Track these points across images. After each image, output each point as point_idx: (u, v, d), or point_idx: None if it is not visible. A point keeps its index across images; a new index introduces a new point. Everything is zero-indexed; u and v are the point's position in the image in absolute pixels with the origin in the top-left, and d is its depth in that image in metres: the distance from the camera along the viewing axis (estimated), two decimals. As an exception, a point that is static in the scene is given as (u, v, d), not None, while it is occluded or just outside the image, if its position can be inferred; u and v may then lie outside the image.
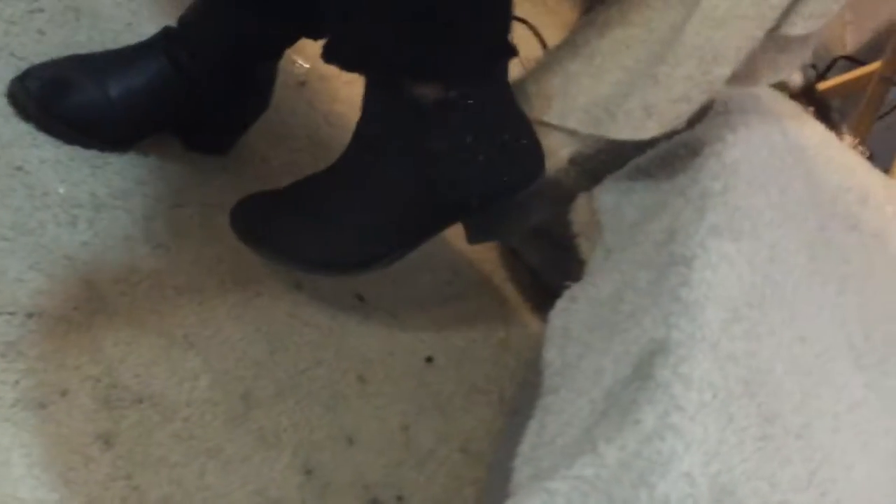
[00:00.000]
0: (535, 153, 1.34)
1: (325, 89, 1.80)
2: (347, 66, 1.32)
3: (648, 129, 1.31)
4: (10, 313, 1.18)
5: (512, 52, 1.30)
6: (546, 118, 1.38)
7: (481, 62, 1.28)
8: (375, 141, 1.31)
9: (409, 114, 1.28)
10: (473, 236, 1.40)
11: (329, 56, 1.30)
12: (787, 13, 1.25)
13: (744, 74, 1.32)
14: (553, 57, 1.41)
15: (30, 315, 1.19)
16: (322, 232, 1.35)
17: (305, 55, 1.78)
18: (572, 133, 1.38)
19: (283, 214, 1.38)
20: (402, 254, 1.38)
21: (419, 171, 1.29)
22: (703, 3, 1.24)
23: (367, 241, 1.34)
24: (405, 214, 1.33)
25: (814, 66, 2.63)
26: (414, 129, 1.28)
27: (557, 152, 1.39)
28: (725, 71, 1.27)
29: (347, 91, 1.83)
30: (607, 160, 1.41)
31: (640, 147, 1.39)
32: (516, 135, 1.32)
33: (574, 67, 1.35)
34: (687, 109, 1.29)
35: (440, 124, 1.28)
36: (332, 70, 1.78)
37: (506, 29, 1.29)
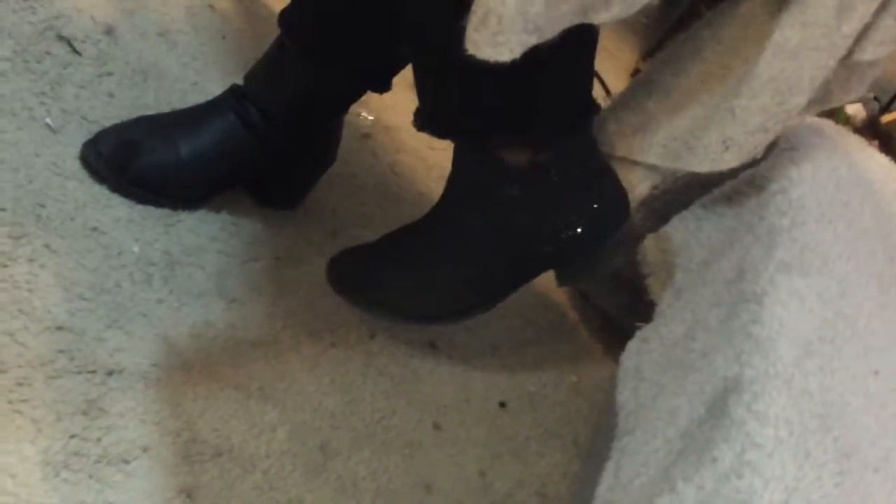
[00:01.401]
0: (621, 199, 1.35)
1: (389, 140, 1.82)
2: (439, 134, 1.33)
3: (727, 161, 1.32)
4: (91, 371, 1.20)
5: (596, 108, 1.32)
6: (627, 154, 1.39)
7: (569, 123, 1.29)
8: (465, 198, 1.33)
9: (499, 175, 1.30)
10: (562, 279, 1.41)
11: (421, 124, 1.32)
12: (858, 40, 1.25)
13: (817, 100, 1.33)
14: (629, 95, 1.42)
15: (110, 373, 1.21)
16: (416, 284, 1.36)
17: (369, 107, 1.80)
18: (651, 169, 1.38)
19: (376, 267, 1.40)
20: (494, 304, 1.40)
21: (509, 226, 1.31)
22: (775, 35, 1.25)
23: (460, 293, 1.36)
24: (496, 266, 1.34)
25: (877, 99, 2.62)
26: (503, 188, 1.30)
27: (635, 189, 1.40)
28: (801, 100, 1.27)
29: (412, 142, 1.85)
30: (673, 199, 1.42)
31: (707, 186, 1.39)
32: (601, 183, 1.34)
33: (651, 104, 1.36)
34: (764, 140, 1.29)
35: (529, 184, 1.29)
36: (396, 121, 1.81)
37: (590, 87, 1.30)
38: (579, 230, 1.32)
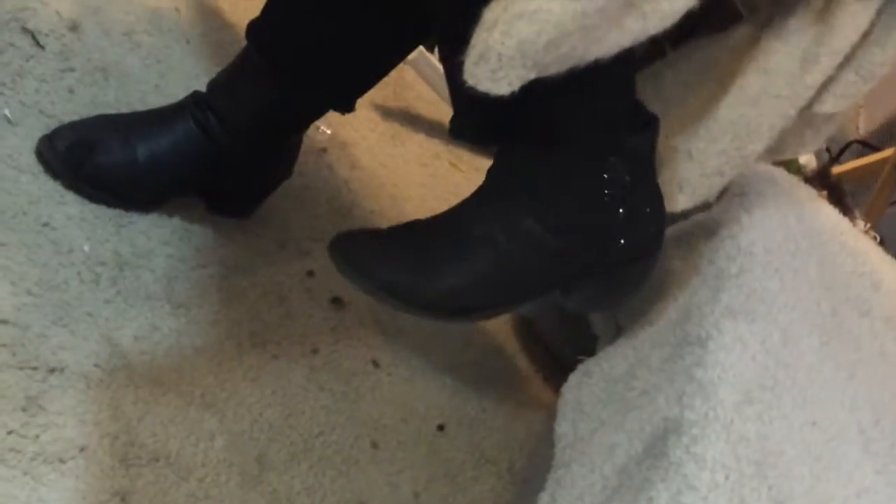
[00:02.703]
0: (659, 223, 1.31)
1: (345, 156, 1.83)
2: (473, 142, 1.33)
3: (680, 203, 1.32)
4: (33, 368, 1.19)
5: (650, 122, 1.29)
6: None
7: (609, 132, 1.26)
8: (501, 196, 1.29)
9: (536, 178, 1.26)
10: (577, 304, 1.36)
11: (455, 133, 1.30)
12: (819, 92, 1.27)
13: (772, 148, 1.34)
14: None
15: (52, 370, 1.21)
16: (426, 272, 1.32)
17: (328, 122, 1.80)
18: None
19: (391, 255, 1.32)
20: (508, 309, 1.35)
21: (543, 230, 1.27)
22: (738, 80, 1.26)
23: (476, 290, 1.31)
24: (520, 272, 1.30)
25: (828, 150, 2.66)
26: (539, 193, 1.26)
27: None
28: (759, 147, 1.28)
29: (367, 159, 1.86)
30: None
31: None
32: (643, 203, 1.29)
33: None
34: (719, 183, 1.30)
35: (568, 189, 1.26)
36: (352, 137, 1.82)
37: (632, 99, 1.27)
38: (622, 241, 1.29)
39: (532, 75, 1.01)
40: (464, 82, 1.01)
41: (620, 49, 1.04)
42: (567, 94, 1.20)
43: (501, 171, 1.30)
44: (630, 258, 1.29)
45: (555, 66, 1.02)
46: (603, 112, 1.26)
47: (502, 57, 0.98)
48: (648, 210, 1.30)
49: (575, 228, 1.27)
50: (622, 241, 1.28)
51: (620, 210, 1.28)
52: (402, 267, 1.30)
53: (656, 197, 1.30)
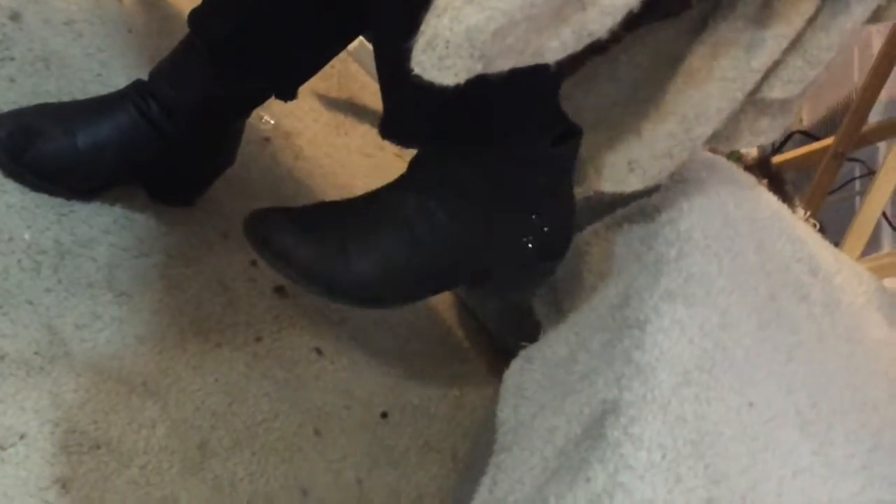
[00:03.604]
0: (567, 230, 1.36)
1: (289, 146, 1.82)
2: (404, 143, 1.35)
3: (630, 183, 1.33)
4: (-27, 356, 1.19)
5: (565, 130, 1.33)
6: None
7: (533, 140, 1.29)
8: (427, 187, 1.32)
9: (457, 176, 1.31)
10: (497, 290, 1.39)
11: (386, 133, 1.32)
12: (766, 77, 1.28)
13: (726, 136, 1.35)
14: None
15: (-8, 358, 1.20)
16: (357, 263, 1.33)
17: (272, 112, 1.80)
18: None
19: (306, 234, 1.34)
20: (411, 301, 1.40)
21: (452, 231, 1.30)
22: (686, 63, 1.27)
23: (388, 281, 1.33)
24: (431, 265, 1.32)
25: (769, 140, 2.68)
26: (457, 193, 1.30)
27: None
28: (707, 130, 1.29)
29: (310, 149, 1.86)
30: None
31: (597, 212, 1.42)
32: (556, 209, 1.34)
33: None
34: (669, 165, 1.31)
35: (482, 193, 1.30)
36: (296, 127, 1.82)
37: (557, 111, 1.31)
38: (515, 251, 1.33)
39: (478, 67, 1.01)
40: (408, 71, 1.01)
41: (561, 45, 1.05)
42: (498, 101, 1.22)
43: (425, 163, 1.33)
44: (539, 259, 1.32)
45: (500, 59, 1.03)
46: (530, 120, 1.28)
47: (450, 44, 0.98)
48: (560, 216, 1.33)
49: (489, 228, 1.30)
50: (532, 244, 1.32)
51: (534, 215, 1.31)
52: (318, 251, 1.32)
53: (568, 204, 1.33)
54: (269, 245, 1.33)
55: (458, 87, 1.04)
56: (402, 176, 1.35)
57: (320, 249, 1.32)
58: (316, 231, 1.33)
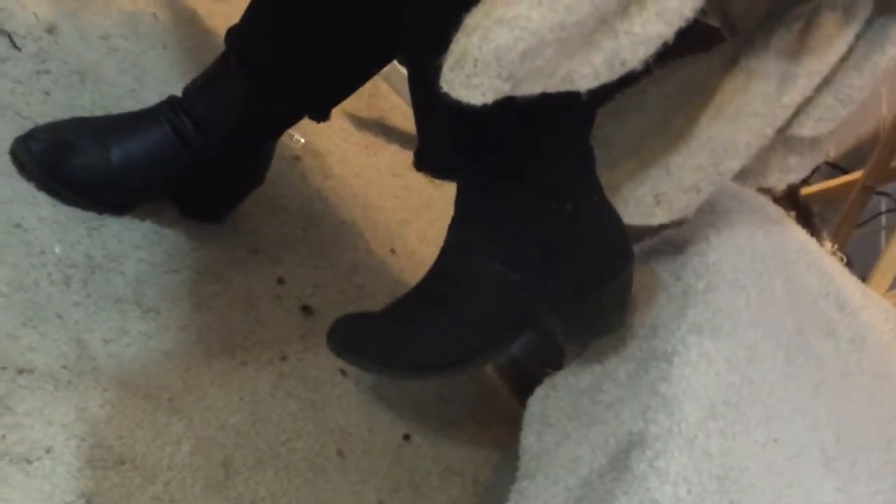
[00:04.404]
0: (623, 242, 1.33)
1: (318, 165, 1.83)
2: (437, 174, 1.35)
3: (657, 216, 1.33)
4: (2, 368, 1.19)
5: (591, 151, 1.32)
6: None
7: (568, 164, 1.29)
8: (466, 242, 1.32)
9: (500, 213, 1.29)
10: (569, 334, 1.38)
11: (420, 164, 1.33)
12: (797, 114, 1.28)
13: (754, 172, 1.35)
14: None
15: (20, 371, 1.21)
16: (416, 337, 1.36)
17: (302, 130, 1.81)
18: None
19: (377, 327, 1.40)
20: (497, 351, 1.37)
21: (511, 268, 1.30)
22: (717, 98, 1.27)
23: (460, 341, 1.34)
24: (498, 311, 1.33)
25: (797, 172, 2.67)
26: (504, 227, 1.29)
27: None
28: (735, 165, 1.29)
29: (340, 168, 1.86)
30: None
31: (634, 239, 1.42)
32: (605, 227, 1.32)
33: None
34: (696, 199, 1.31)
35: (531, 222, 1.29)
36: (326, 146, 1.83)
37: (590, 129, 1.30)
38: (578, 273, 1.31)
39: (507, 88, 1.02)
40: (438, 90, 1.02)
41: (593, 72, 1.05)
42: (532, 128, 1.22)
43: (465, 216, 1.33)
44: (597, 282, 1.31)
45: (529, 81, 1.03)
46: (566, 149, 1.28)
47: (478, 63, 0.99)
48: (607, 234, 1.32)
49: (538, 262, 1.29)
50: (586, 268, 1.31)
51: (581, 239, 1.30)
52: (395, 339, 1.37)
53: (614, 220, 1.32)
54: (346, 346, 1.41)
55: (491, 118, 1.04)
56: (447, 239, 1.35)
57: (393, 340, 1.38)
58: (386, 325, 1.40)
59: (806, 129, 1.31)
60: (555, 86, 1.05)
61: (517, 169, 1.26)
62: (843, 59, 1.26)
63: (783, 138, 1.32)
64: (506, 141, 1.24)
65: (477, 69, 0.99)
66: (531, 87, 1.04)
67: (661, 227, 1.39)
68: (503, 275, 1.30)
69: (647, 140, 1.35)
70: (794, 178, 1.41)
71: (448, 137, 1.28)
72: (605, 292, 1.31)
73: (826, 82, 1.28)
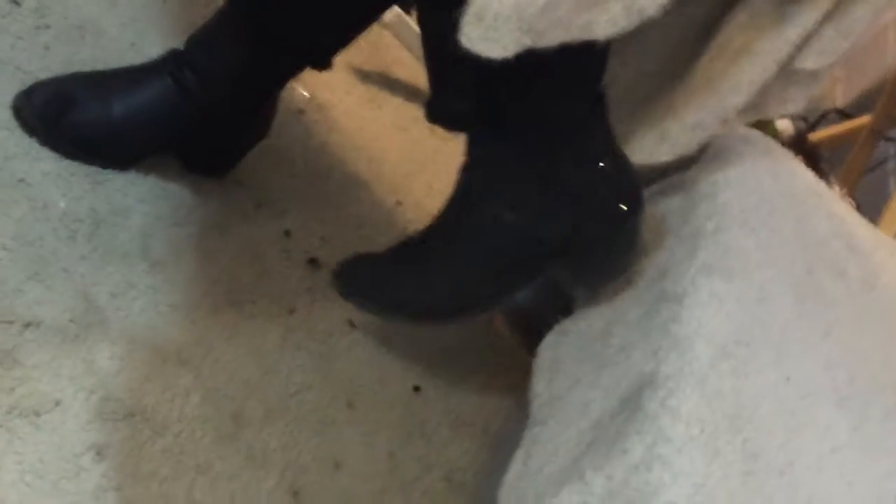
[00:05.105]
0: (633, 186, 1.32)
1: (323, 119, 1.82)
2: (450, 126, 1.34)
3: (661, 154, 1.33)
4: (8, 322, 1.19)
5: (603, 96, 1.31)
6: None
7: (580, 110, 1.28)
8: (475, 190, 1.32)
9: (510, 162, 1.28)
10: (580, 276, 1.38)
11: (433, 116, 1.32)
12: (800, 48, 1.27)
13: (753, 105, 1.34)
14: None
15: (27, 325, 1.20)
16: (428, 282, 1.36)
17: (305, 84, 1.80)
18: None
19: (388, 270, 1.41)
20: (509, 297, 1.37)
21: (521, 214, 1.29)
22: (719, 36, 1.27)
23: (471, 287, 1.34)
24: (509, 258, 1.32)
25: (804, 119, 2.67)
26: (513, 174, 1.29)
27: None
28: (738, 101, 1.28)
29: (345, 121, 1.85)
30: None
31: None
32: (614, 170, 1.31)
33: None
34: (700, 136, 1.31)
35: (540, 169, 1.28)
36: (329, 100, 1.82)
37: (602, 76, 1.29)
38: (589, 217, 1.30)
39: (527, 41, 1.01)
40: (454, 43, 1.01)
41: (611, 20, 1.04)
42: (548, 76, 1.21)
43: (476, 165, 1.32)
44: (609, 226, 1.30)
45: (549, 33, 1.02)
46: (581, 96, 1.27)
47: (498, 16, 0.98)
48: (618, 178, 1.31)
49: (548, 209, 1.29)
50: (597, 213, 1.30)
51: (592, 184, 1.29)
52: (403, 283, 1.38)
53: (625, 164, 1.31)
54: (356, 288, 1.42)
55: (507, 69, 1.03)
56: (456, 187, 1.34)
57: (404, 283, 1.38)
58: (397, 268, 1.41)
59: (809, 62, 1.30)
60: (574, 36, 1.04)
61: (532, 117, 1.25)
62: None
63: (784, 72, 1.31)
64: (521, 90, 1.23)
65: (497, 23, 0.98)
66: (551, 39, 1.03)
67: (668, 169, 1.38)
68: (512, 221, 1.30)
69: (650, 78, 1.34)
70: (791, 108, 1.40)
71: (462, 89, 1.27)
72: (616, 235, 1.30)
73: (828, 15, 1.27)
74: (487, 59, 1.01)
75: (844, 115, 2.83)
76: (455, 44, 1.01)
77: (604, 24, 1.04)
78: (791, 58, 1.28)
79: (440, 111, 1.31)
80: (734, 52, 1.26)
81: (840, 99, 2.97)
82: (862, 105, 2.83)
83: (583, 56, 1.17)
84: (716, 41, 1.27)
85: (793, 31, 1.24)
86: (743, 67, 1.26)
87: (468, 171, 1.33)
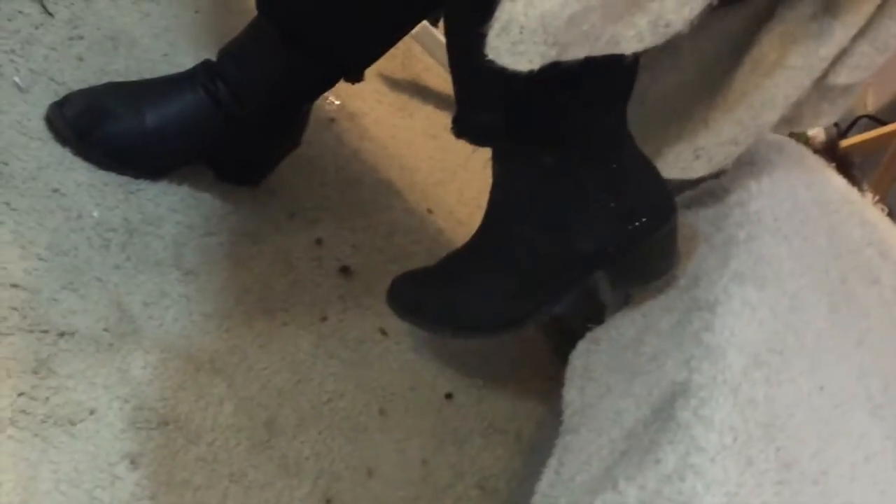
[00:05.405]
0: (664, 193, 1.33)
1: (354, 127, 1.83)
2: (477, 141, 1.33)
3: (696, 170, 1.33)
4: (43, 331, 1.20)
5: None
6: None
7: (609, 124, 1.28)
8: (508, 207, 1.33)
9: (539, 177, 1.29)
10: (618, 283, 1.38)
11: (459, 131, 1.32)
12: (833, 64, 1.27)
13: (788, 119, 1.34)
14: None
15: (62, 334, 1.21)
16: (470, 298, 1.38)
17: (336, 92, 1.80)
18: None
19: (433, 287, 1.42)
20: (549, 309, 1.38)
21: (554, 230, 1.30)
22: (753, 51, 1.26)
23: (511, 302, 1.35)
24: (546, 272, 1.33)
25: (836, 125, 2.66)
26: (544, 190, 1.29)
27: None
28: (773, 117, 1.28)
29: (376, 130, 1.86)
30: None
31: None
32: (645, 179, 1.32)
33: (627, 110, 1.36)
34: (734, 152, 1.31)
35: (571, 183, 1.28)
36: (361, 108, 1.82)
37: (630, 91, 1.29)
38: (622, 226, 1.31)
39: (553, 54, 1.01)
40: (480, 57, 1.01)
41: (637, 35, 1.04)
42: (575, 92, 1.21)
43: (504, 183, 1.32)
44: (642, 235, 1.30)
45: (574, 46, 1.02)
46: (608, 112, 1.27)
47: (524, 29, 0.98)
48: (647, 187, 1.31)
49: (578, 226, 1.29)
50: (630, 224, 1.30)
51: (622, 197, 1.29)
52: (446, 301, 1.40)
53: (652, 172, 1.31)
54: (405, 308, 1.44)
55: (534, 83, 1.03)
56: (488, 209, 1.35)
57: (446, 298, 1.41)
58: (439, 283, 1.43)
59: (842, 77, 1.30)
60: (600, 50, 1.04)
61: (559, 133, 1.25)
62: (880, 7, 1.25)
63: (817, 87, 1.31)
64: (548, 106, 1.23)
65: (523, 36, 0.98)
66: (577, 52, 1.03)
67: (701, 179, 1.38)
68: (545, 242, 1.30)
69: (683, 94, 1.34)
70: (825, 121, 1.40)
71: (489, 104, 1.27)
72: (650, 243, 1.30)
73: (862, 31, 1.26)
74: (514, 72, 1.01)
75: (876, 121, 2.82)
76: (482, 57, 1.01)
77: (630, 39, 1.04)
78: (825, 73, 1.28)
79: (467, 125, 1.31)
80: (768, 69, 1.26)
81: (872, 105, 2.95)
82: (894, 111, 2.82)
83: (611, 70, 1.17)
84: (750, 56, 1.27)
85: (826, 48, 1.24)
86: (777, 82, 1.25)
87: (496, 190, 1.34)
